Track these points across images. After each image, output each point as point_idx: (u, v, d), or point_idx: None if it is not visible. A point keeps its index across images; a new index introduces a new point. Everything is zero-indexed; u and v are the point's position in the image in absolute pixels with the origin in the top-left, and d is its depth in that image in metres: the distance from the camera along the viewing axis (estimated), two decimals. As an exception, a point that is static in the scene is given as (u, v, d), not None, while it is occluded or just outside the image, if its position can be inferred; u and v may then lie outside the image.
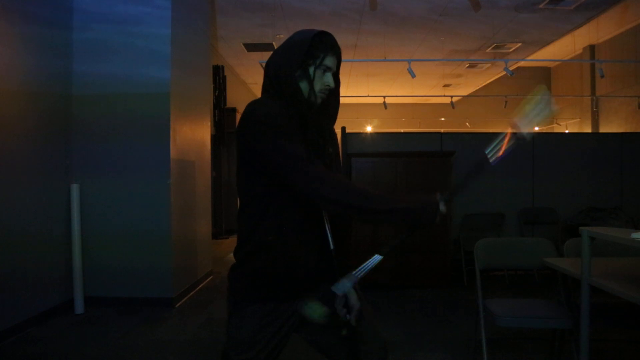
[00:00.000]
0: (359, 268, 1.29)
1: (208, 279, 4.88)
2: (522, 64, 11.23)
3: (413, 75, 6.20)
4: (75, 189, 3.79)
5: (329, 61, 1.33)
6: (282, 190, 1.30)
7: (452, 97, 9.52)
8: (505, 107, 9.60)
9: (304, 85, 1.32)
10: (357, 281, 1.29)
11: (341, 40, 8.13)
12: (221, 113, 7.74)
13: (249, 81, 11.26)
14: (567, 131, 11.14)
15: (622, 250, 2.40)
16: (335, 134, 1.46)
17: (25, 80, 3.39)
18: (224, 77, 7.88)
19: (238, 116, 8.20)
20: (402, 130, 12.65)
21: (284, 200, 1.31)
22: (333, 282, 1.30)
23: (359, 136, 5.40)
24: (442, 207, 1.22)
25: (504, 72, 7.03)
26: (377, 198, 1.19)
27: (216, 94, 7.55)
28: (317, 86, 1.33)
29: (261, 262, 1.32)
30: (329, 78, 1.33)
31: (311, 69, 1.32)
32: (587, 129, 10.82)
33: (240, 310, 1.35)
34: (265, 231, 1.31)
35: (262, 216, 1.32)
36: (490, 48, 8.66)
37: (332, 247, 1.32)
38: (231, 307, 1.38)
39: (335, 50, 1.34)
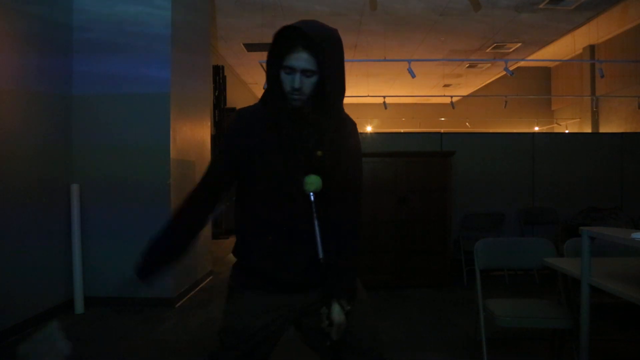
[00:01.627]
0: None
1: (208, 279, 4.88)
2: (522, 64, 11.24)
3: (413, 75, 6.20)
4: (75, 189, 3.79)
5: (292, 60, 1.23)
6: (254, 195, 1.36)
7: (452, 97, 9.52)
8: (505, 107, 9.61)
9: (285, 87, 1.28)
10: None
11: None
12: (221, 113, 7.74)
13: (249, 81, 11.26)
14: (567, 131, 11.14)
15: (622, 250, 2.40)
16: (337, 136, 1.33)
17: (26, 80, 3.39)
18: (224, 77, 7.88)
19: (238, 116, 8.20)
20: (402, 130, 12.65)
21: (259, 205, 1.35)
22: (321, 288, 1.32)
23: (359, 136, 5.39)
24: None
25: (504, 72, 7.03)
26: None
27: (216, 94, 7.55)
28: (286, 88, 1.27)
29: (253, 261, 1.37)
30: (293, 80, 1.24)
31: (281, 71, 1.27)
32: (587, 129, 10.82)
33: (233, 296, 1.41)
34: (252, 232, 1.37)
35: (248, 218, 1.38)
36: (490, 48, 8.66)
37: (321, 255, 1.28)
38: (227, 293, 1.44)
39: (305, 44, 1.21)
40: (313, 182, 1.27)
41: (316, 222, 1.28)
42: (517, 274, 4.96)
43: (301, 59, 1.23)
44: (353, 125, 1.41)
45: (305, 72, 1.24)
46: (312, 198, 1.27)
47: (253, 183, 1.35)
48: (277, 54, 1.25)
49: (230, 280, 1.44)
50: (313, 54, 1.22)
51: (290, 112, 1.29)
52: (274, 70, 1.27)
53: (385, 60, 8.86)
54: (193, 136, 4.50)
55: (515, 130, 12.10)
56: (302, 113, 1.29)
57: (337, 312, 1.27)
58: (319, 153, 1.29)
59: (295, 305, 1.38)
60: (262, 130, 1.31)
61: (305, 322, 1.42)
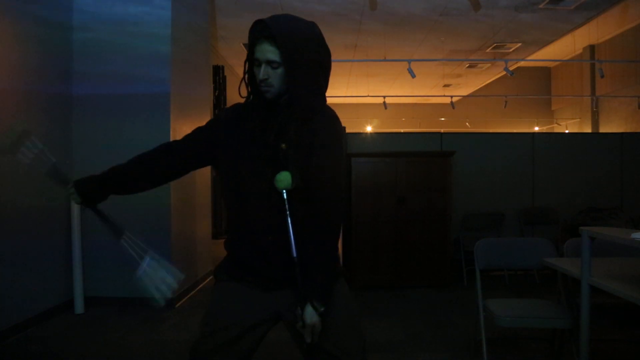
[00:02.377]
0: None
1: (208, 279, 4.88)
2: (522, 64, 11.24)
3: (413, 75, 6.21)
4: (75, 189, 3.78)
5: (258, 52, 1.27)
6: (233, 191, 1.38)
7: (452, 97, 9.52)
8: (505, 107, 9.61)
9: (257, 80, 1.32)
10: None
11: (341, 40, 8.19)
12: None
13: (249, 81, 11.24)
14: (567, 131, 11.14)
15: (622, 250, 2.40)
16: (305, 130, 1.31)
17: (25, 80, 3.39)
18: (224, 77, 7.88)
19: (238, 116, 8.20)
20: (402, 130, 12.65)
21: (237, 200, 1.38)
22: (295, 288, 1.29)
23: (359, 136, 5.40)
24: None
25: (504, 72, 7.03)
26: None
27: (216, 94, 7.55)
28: (257, 80, 1.30)
29: (238, 255, 1.40)
30: (260, 71, 1.27)
31: (254, 65, 1.31)
32: (587, 129, 10.82)
33: (218, 286, 1.44)
34: (236, 227, 1.40)
35: (232, 214, 1.41)
36: (490, 48, 8.66)
37: (294, 254, 1.27)
38: (214, 283, 1.48)
39: (268, 36, 1.24)
40: (283, 179, 1.25)
41: (289, 220, 1.27)
42: (517, 274, 4.96)
43: (265, 51, 1.25)
44: (330, 119, 1.35)
45: (270, 64, 1.26)
46: (284, 195, 1.27)
47: (230, 177, 1.38)
48: (249, 48, 1.30)
49: (217, 270, 1.46)
50: (277, 45, 1.24)
51: (264, 105, 1.33)
52: (249, 64, 1.33)
53: (385, 60, 8.86)
54: (193, 136, 4.49)
55: (515, 130, 12.09)
56: (275, 106, 1.32)
57: (309, 314, 1.24)
58: (283, 146, 1.29)
59: (277, 303, 1.37)
60: (238, 124, 1.37)
61: (288, 324, 1.41)
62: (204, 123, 1.49)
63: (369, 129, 13.08)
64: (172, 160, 1.50)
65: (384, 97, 9.17)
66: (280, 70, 1.27)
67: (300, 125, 1.29)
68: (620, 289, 1.78)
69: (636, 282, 1.88)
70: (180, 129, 4.16)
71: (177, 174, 1.54)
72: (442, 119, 13.59)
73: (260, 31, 1.25)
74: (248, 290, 1.37)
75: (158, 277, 1.40)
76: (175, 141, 1.51)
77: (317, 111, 1.33)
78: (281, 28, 1.23)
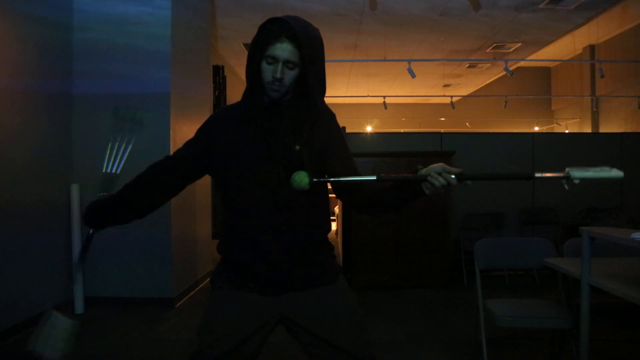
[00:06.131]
0: None
1: (208, 279, 4.87)
2: (522, 64, 11.23)
3: (413, 75, 6.21)
4: (75, 189, 3.79)
5: (276, 50, 1.23)
6: (236, 192, 1.34)
7: (452, 97, 9.52)
8: (505, 107, 9.60)
9: (265, 78, 1.28)
10: None
11: (341, 40, 8.19)
12: (221, 113, 7.72)
13: (249, 81, 11.22)
14: (567, 131, 11.13)
15: (622, 250, 2.40)
16: (316, 130, 1.32)
17: (25, 80, 3.38)
18: (224, 77, 7.88)
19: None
20: (402, 130, 12.64)
21: (242, 202, 1.34)
22: (296, 291, 1.30)
23: (359, 136, 5.40)
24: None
25: (504, 72, 7.03)
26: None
27: (216, 94, 7.55)
28: (266, 79, 1.27)
29: (239, 260, 1.36)
30: (275, 70, 1.24)
31: (262, 62, 1.26)
32: (587, 129, 10.81)
33: (213, 290, 1.41)
34: (236, 230, 1.36)
35: (232, 216, 1.38)
36: (490, 48, 8.66)
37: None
38: (210, 290, 1.43)
39: (290, 36, 1.23)
40: (300, 179, 1.23)
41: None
42: (517, 274, 4.96)
43: (285, 50, 1.23)
44: (332, 116, 1.39)
45: (287, 64, 1.25)
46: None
47: (234, 179, 1.34)
48: (260, 45, 1.26)
49: (214, 276, 1.43)
50: (297, 46, 1.23)
51: (266, 105, 1.31)
52: (255, 61, 1.28)
53: (385, 60, 8.85)
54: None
55: (515, 130, 12.09)
56: (278, 106, 1.31)
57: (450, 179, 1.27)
58: (297, 147, 1.28)
59: (280, 306, 1.35)
60: (239, 124, 1.33)
61: (291, 325, 1.37)
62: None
63: (369, 129, 13.07)
64: (172, 179, 1.43)
65: (384, 97, 9.17)
66: (294, 72, 1.26)
67: (311, 126, 1.31)
68: (620, 289, 1.78)
69: (636, 282, 1.88)
70: (180, 129, 4.16)
71: (178, 191, 1.47)
72: (442, 119, 13.58)
73: (281, 30, 1.23)
74: (247, 296, 1.34)
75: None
76: (172, 157, 1.44)
77: (323, 112, 1.36)
78: (302, 29, 1.24)
